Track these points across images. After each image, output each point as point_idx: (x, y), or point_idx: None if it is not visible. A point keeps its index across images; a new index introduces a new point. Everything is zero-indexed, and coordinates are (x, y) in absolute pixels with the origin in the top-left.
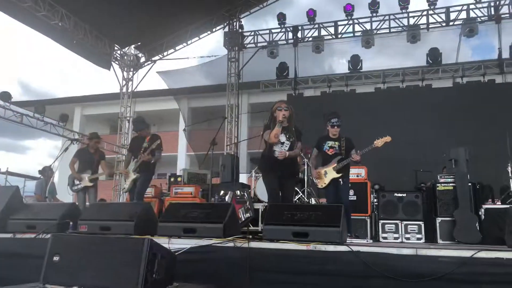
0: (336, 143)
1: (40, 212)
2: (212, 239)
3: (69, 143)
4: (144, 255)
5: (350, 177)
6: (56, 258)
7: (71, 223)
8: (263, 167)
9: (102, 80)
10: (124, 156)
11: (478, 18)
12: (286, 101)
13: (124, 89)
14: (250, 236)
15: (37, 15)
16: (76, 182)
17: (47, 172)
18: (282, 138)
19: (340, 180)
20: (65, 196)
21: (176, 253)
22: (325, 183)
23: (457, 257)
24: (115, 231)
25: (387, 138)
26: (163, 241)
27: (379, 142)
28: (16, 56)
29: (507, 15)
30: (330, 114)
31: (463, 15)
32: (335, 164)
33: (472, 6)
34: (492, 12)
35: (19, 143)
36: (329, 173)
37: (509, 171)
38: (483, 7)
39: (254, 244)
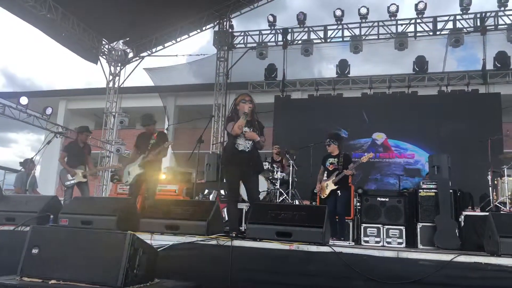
0: (335, 159)
1: (20, 204)
2: (195, 236)
3: (52, 136)
4: (125, 250)
5: None
6: (35, 251)
7: (51, 216)
8: (225, 160)
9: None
10: (107, 151)
11: (464, 29)
12: (250, 94)
13: (111, 84)
14: (233, 234)
15: (25, 6)
16: (70, 177)
17: (28, 164)
18: (246, 131)
19: (338, 191)
20: (46, 189)
21: (158, 249)
22: (326, 194)
23: (437, 260)
24: (97, 225)
25: (370, 155)
26: (145, 237)
27: (364, 158)
28: (2, 47)
29: (492, 27)
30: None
31: (450, 25)
32: (334, 178)
33: (458, 17)
34: (478, 24)
35: (1, 135)
36: (329, 186)
37: (489, 179)
38: (469, 18)
39: (237, 243)
